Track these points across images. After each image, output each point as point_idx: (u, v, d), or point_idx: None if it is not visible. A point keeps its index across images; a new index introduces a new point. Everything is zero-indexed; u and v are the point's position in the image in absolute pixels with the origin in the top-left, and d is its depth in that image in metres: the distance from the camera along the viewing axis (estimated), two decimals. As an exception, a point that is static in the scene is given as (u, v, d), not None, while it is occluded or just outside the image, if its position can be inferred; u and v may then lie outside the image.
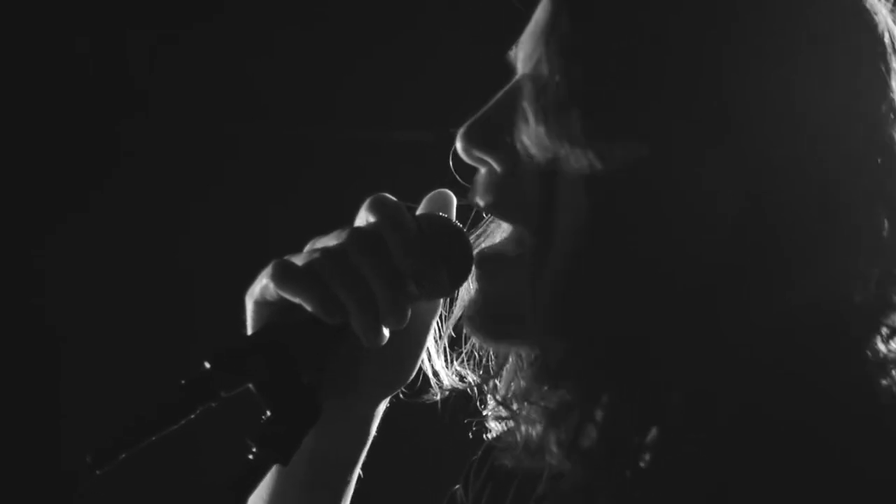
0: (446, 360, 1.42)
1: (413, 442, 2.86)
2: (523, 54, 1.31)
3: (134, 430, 1.20)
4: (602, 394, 1.22)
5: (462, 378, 1.42)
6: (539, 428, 1.27)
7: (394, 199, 1.32)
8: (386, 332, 1.28)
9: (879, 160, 1.25)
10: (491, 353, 1.41)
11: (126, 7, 3.46)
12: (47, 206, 3.43)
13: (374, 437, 1.44)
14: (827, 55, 1.25)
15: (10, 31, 3.40)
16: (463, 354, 1.42)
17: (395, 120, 3.44)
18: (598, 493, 1.24)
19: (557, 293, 1.23)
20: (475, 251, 1.33)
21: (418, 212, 1.36)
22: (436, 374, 1.42)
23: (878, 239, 1.24)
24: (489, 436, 1.44)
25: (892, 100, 1.26)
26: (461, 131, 1.31)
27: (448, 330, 1.41)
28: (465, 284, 1.34)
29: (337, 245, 1.29)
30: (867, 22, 1.27)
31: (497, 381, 1.40)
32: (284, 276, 1.27)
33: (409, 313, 1.28)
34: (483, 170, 1.32)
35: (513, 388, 1.37)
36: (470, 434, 1.45)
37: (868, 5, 1.28)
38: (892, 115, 1.25)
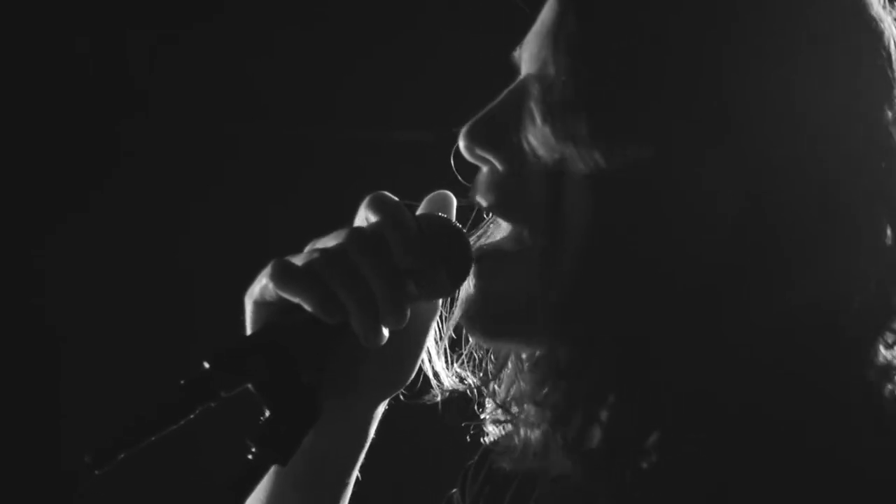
0: (447, 362, 1.42)
1: (411, 444, 2.86)
2: (528, 54, 1.31)
3: (134, 430, 1.20)
4: (608, 394, 1.22)
5: (462, 380, 1.42)
6: (538, 431, 1.27)
7: (393, 197, 1.32)
8: (385, 331, 1.27)
9: (879, 160, 1.25)
10: (490, 355, 1.41)
11: (126, 7, 3.46)
12: (47, 206, 3.43)
13: (373, 438, 1.44)
14: (827, 55, 1.25)
15: (10, 31, 3.40)
16: (463, 356, 1.42)
17: (395, 120, 3.44)
18: (598, 494, 1.24)
19: (564, 294, 1.23)
20: (474, 249, 1.33)
21: (418, 212, 1.36)
22: (436, 375, 1.42)
23: (878, 239, 1.24)
24: (487, 439, 1.44)
25: (893, 100, 1.26)
26: (464, 130, 1.31)
27: (449, 331, 1.41)
28: (465, 284, 1.34)
29: (336, 245, 1.29)
30: (867, 22, 1.28)
31: (496, 385, 1.40)
32: (284, 275, 1.27)
33: (409, 313, 1.28)
34: (485, 169, 1.32)
35: (513, 391, 1.37)
36: (468, 437, 1.45)
37: (868, 5, 1.28)
38: (892, 115, 1.26)
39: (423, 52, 3.34)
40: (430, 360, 1.41)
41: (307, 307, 1.26)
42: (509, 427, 1.38)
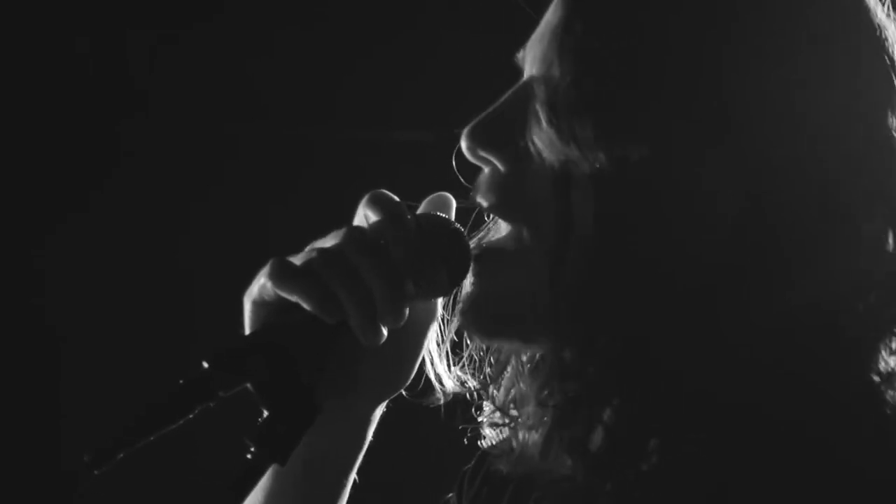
0: (448, 365, 1.42)
1: (409, 447, 2.86)
2: (532, 57, 1.31)
3: (133, 429, 1.20)
4: (609, 394, 1.22)
5: (462, 383, 1.42)
6: (536, 434, 1.27)
7: (392, 195, 1.32)
8: (384, 330, 1.27)
9: (879, 160, 1.25)
10: (490, 357, 1.41)
11: (126, 7, 3.46)
12: (47, 206, 3.43)
13: (371, 440, 1.44)
14: (827, 55, 1.25)
15: (10, 31, 3.40)
16: (464, 359, 1.42)
17: (395, 120, 3.44)
18: (598, 494, 1.24)
19: (566, 293, 1.23)
20: (473, 248, 1.33)
21: (418, 213, 1.36)
22: (438, 378, 1.42)
23: (877, 238, 1.24)
24: (484, 443, 1.44)
25: (893, 100, 1.26)
26: (466, 131, 1.31)
27: (450, 334, 1.41)
28: (464, 284, 1.34)
29: (335, 244, 1.29)
30: (867, 22, 1.28)
31: (495, 389, 1.40)
32: (282, 274, 1.27)
33: (407, 312, 1.28)
34: (486, 170, 1.32)
35: (512, 393, 1.37)
36: (465, 440, 1.45)
37: (870, 11, 1.28)
38: (892, 115, 1.25)
39: (423, 52, 3.34)
40: (431, 363, 1.41)
41: (306, 306, 1.26)
42: (507, 430, 1.38)
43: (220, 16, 3.42)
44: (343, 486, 1.44)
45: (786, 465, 1.18)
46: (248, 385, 1.25)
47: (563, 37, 1.27)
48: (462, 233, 1.34)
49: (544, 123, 1.26)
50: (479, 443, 1.45)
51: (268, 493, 1.41)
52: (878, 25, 1.27)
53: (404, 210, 1.31)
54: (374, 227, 1.30)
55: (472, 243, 1.34)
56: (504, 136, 1.29)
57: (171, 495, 2.65)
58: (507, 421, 1.39)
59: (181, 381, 1.23)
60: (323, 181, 3.31)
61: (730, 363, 1.21)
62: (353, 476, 1.44)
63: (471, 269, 1.32)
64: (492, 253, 1.32)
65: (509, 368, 1.39)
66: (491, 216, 1.36)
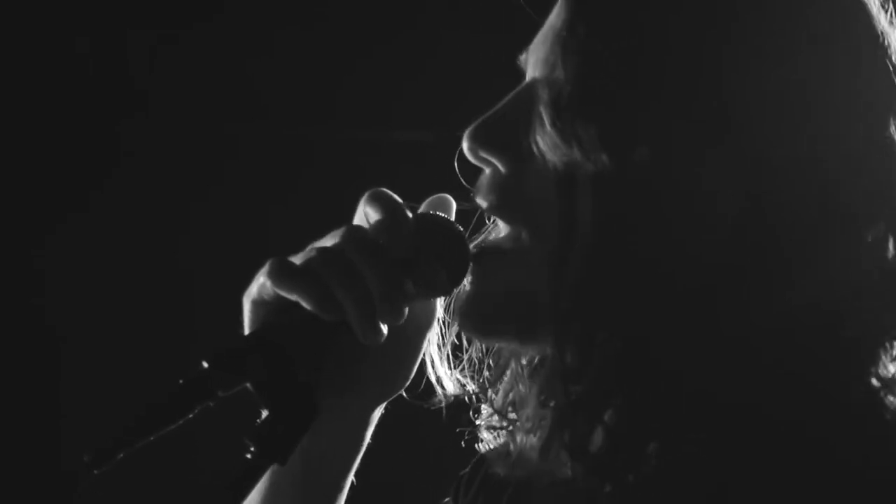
0: (449, 367, 1.42)
1: (407, 450, 2.86)
2: (535, 59, 1.31)
3: (133, 429, 1.20)
4: (609, 395, 1.22)
5: (462, 386, 1.42)
6: (534, 437, 1.27)
7: (392, 194, 1.32)
8: (384, 329, 1.27)
9: (879, 160, 1.25)
10: (489, 360, 1.41)
11: (126, 7, 3.46)
12: (47, 206, 3.43)
13: (370, 443, 1.43)
14: (827, 55, 1.25)
15: (10, 31, 3.40)
16: (463, 362, 1.42)
17: (395, 120, 3.44)
18: (597, 496, 1.24)
19: (567, 293, 1.23)
20: (472, 248, 1.33)
21: (418, 213, 1.36)
22: (438, 380, 1.42)
23: (878, 239, 1.24)
24: (481, 446, 1.44)
25: (892, 100, 1.26)
26: (468, 132, 1.31)
27: (451, 336, 1.41)
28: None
29: (334, 244, 1.29)
30: (867, 22, 1.28)
31: (493, 392, 1.40)
32: (281, 273, 1.27)
33: (407, 311, 1.28)
34: (487, 171, 1.32)
35: (511, 396, 1.37)
36: (463, 443, 1.45)
37: (870, 11, 1.28)
38: (892, 115, 1.26)
39: (423, 52, 3.34)
40: (432, 365, 1.41)
41: (305, 305, 1.26)
42: (504, 434, 1.38)
43: (220, 16, 3.42)
44: (341, 487, 1.44)
45: (786, 465, 1.18)
46: (248, 385, 1.25)
47: (567, 39, 1.27)
48: (461, 232, 1.34)
49: (547, 125, 1.26)
50: (476, 446, 1.45)
51: (265, 492, 1.41)
52: (882, 32, 1.27)
53: (404, 209, 1.31)
54: (373, 226, 1.30)
55: (472, 244, 1.34)
56: (506, 137, 1.29)
57: (171, 495, 2.65)
58: (505, 424, 1.39)
59: (181, 381, 1.23)
60: (323, 181, 3.31)
61: (730, 363, 1.21)
62: (351, 477, 1.44)
63: (470, 269, 1.32)
64: (490, 253, 1.32)
65: (508, 372, 1.39)
66: (491, 219, 1.36)
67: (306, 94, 3.45)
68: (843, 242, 1.23)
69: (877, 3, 1.29)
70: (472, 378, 1.42)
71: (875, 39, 1.27)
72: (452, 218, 1.36)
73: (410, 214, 1.32)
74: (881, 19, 1.28)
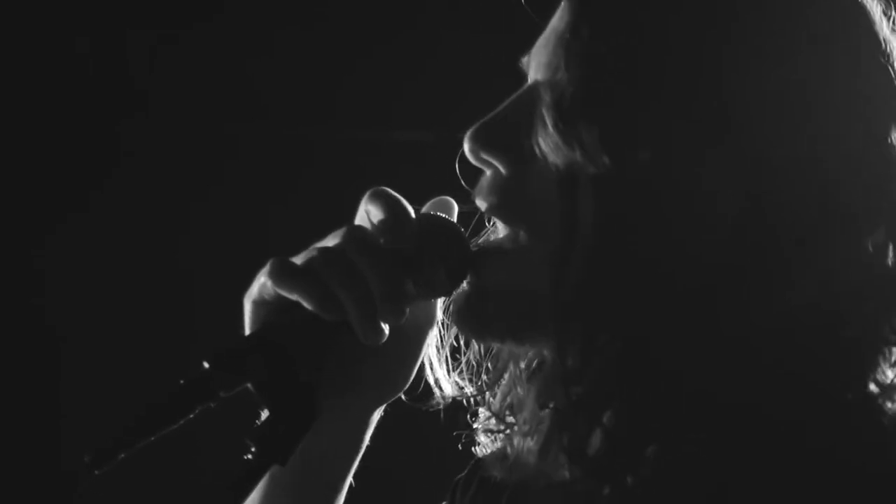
0: (448, 369, 1.42)
1: (406, 452, 2.86)
2: (537, 62, 1.31)
3: (133, 430, 1.20)
4: (609, 396, 1.22)
5: (461, 388, 1.42)
6: (531, 440, 1.27)
7: (394, 192, 1.32)
8: (385, 329, 1.28)
9: (879, 160, 1.25)
10: (487, 363, 1.41)
11: (126, 7, 3.46)
12: (47, 206, 3.43)
13: (368, 445, 1.43)
14: (827, 55, 1.25)
15: (10, 31, 3.40)
16: (462, 365, 1.42)
17: (395, 120, 3.44)
18: (596, 499, 1.24)
19: (567, 293, 1.23)
20: (472, 248, 1.33)
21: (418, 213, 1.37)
22: (437, 383, 1.42)
23: (878, 239, 1.24)
24: (479, 450, 1.44)
25: (892, 99, 1.26)
26: (469, 133, 1.31)
27: (450, 339, 1.41)
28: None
29: (336, 244, 1.29)
30: (868, 26, 1.28)
31: (491, 395, 1.40)
32: (282, 273, 1.27)
33: (407, 311, 1.28)
34: (488, 172, 1.32)
35: (509, 399, 1.37)
36: (460, 446, 1.45)
37: (872, 17, 1.28)
38: (892, 115, 1.26)
39: (423, 52, 3.34)
40: (431, 368, 1.41)
41: (306, 305, 1.26)
42: (502, 438, 1.38)
43: (220, 16, 3.42)
44: (340, 488, 1.44)
45: (785, 465, 1.18)
46: (249, 385, 1.25)
47: (570, 42, 1.27)
48: (462, 232, 1.34)
49: (550, 127, 1.26)
50: (473, 449, 1.44)
51: (264, 492, 1.41)
52: (884, 39, 1.27)
53: (405, 208, 1.31)
54: (376, 225, 1.30)
55: (472, 245, 1.34)
56: (507, 138, 1.29)
57: (171, 495, 2.65)
58: (502, 427, 1.39)
59: (181, 381, 1.23)
60: (323, 181, 3.31)
61: (730, 363, 1.21)
62: (349, 480, 1.44)
63: (470, 269, 1.32)
64: (490, 253, 1.32)
65: (506, 375, 1.39)
66: (491, 221, 1.36)
67: (306, 94, 3.45)
68: (843, 242, 1.23)
69: (879, 10, 1.29)
70: (471, 381, 1.42)
71: (876, 42, 1.27)
72: (455, 219, 1.36)
73: (413, 214, 1.32)
74: (883, 26, 1.28)
